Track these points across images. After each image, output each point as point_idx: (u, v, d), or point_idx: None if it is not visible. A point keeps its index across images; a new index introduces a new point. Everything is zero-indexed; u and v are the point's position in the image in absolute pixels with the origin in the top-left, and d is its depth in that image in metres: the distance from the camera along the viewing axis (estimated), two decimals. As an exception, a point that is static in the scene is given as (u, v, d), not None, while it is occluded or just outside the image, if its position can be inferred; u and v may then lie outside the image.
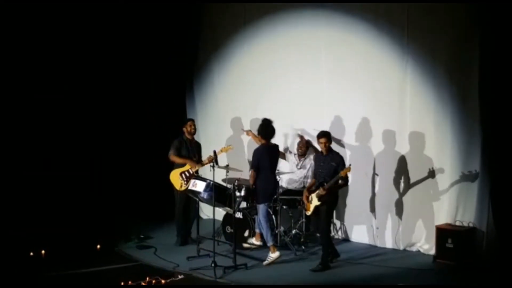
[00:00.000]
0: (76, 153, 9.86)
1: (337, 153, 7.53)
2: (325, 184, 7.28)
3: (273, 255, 7.67)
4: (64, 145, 9.76)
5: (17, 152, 9.35)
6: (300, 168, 8.84)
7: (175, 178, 8.45)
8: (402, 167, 8.13)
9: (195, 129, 8.71)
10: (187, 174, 8.41)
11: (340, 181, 7.32)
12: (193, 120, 8.87)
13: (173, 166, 8.56)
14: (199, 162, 8.55)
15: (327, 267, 7.44)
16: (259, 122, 8.10)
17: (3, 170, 9.16)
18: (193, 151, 8.63)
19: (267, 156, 7.82)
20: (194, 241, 8.33)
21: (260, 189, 7.78)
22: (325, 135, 7.48)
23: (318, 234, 8.23)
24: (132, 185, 10.13)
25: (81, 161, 9.86)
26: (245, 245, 8.27)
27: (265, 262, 7.67)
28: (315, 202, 7.45)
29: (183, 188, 8.36)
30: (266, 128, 7.89)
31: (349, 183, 7.69)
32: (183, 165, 8.48)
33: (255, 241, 8.21)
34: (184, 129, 8.66)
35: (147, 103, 10.54)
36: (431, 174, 7.85)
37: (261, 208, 7.81)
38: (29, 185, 9.32)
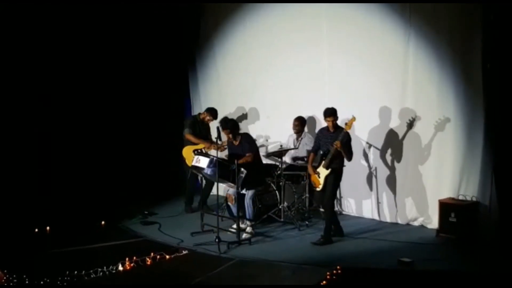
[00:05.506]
0: (80, 133, 9.85)
1: (343, 128, 7.48)
2: (334, 144, 7.28)
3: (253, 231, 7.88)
4: (68, 125, 9.76)
5: (23, 131, 9.34)
6: (298, 146, 8.84)
7: (188, 154, 8.75)
8: (405, 141, 8.11)
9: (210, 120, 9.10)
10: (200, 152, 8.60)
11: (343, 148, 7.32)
12: (211, 111, 9.12)
13: (184, 143, 8.92)
14: (212, 143, 8.84)
15: (329, 241, 7.47)
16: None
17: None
18: (204, 131, 9.09)
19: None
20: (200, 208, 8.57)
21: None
22: (332, 114, 7.43)
23: (321, 210, 8.27)
24: (136, 162, 10.17)
25: (85, 140, 9.86)
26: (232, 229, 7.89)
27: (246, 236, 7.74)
28: (324, 172, 7.45)
29: None
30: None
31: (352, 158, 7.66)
32: (196, 143, 8.86)
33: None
34: (202, 114, 9.11)
35: (150, 84, 10.52)
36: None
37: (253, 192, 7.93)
38: (33, 165, 9.33)
